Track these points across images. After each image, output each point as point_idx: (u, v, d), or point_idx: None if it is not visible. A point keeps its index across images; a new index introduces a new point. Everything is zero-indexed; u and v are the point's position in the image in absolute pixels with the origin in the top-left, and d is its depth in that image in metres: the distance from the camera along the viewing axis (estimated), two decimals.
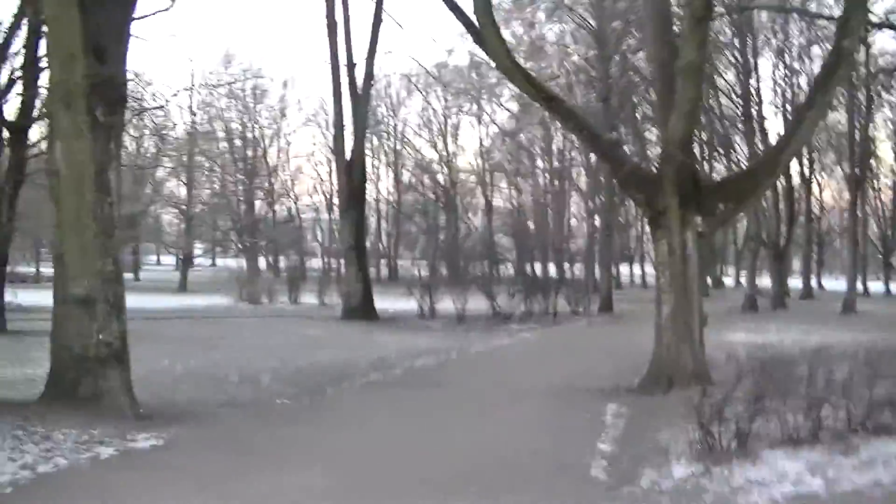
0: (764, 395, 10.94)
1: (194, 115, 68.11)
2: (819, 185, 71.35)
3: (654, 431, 12.50)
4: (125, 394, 12.93)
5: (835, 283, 73.19)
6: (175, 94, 50.73)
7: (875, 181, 70.06)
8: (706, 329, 17.80)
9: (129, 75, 17.69)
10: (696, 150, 34.15)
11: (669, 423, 12.66)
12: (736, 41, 47.56)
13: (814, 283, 70.41)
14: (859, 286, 58.35)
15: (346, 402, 15.79)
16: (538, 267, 45.63)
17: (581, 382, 18.35)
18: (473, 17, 18.18)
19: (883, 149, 68.86)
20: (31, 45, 25.96)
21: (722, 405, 10.80)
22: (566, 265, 50.15)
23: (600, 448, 11.80)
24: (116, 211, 13.43)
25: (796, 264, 76.19)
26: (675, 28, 19.22)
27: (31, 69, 26.38)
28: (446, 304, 36.87)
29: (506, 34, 20.57)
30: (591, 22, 46.32)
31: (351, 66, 37.50)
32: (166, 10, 29.19)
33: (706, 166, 53.74)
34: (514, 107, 68.81)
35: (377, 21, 37.32)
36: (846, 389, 11.49)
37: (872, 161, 61.20)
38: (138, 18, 27.31)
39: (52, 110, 13.61)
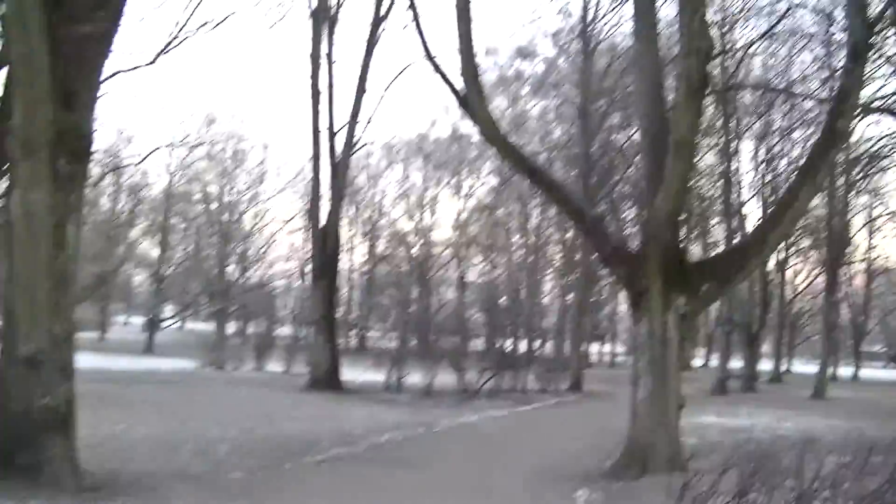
0: (749, 488, 10.32)
1: (172, 175, 67.92)
2: (793, 269, 71.39)
3: None
4: (68, 463, 12.07)
5: (804, 367, 73.13)
6: (153, 152, 50.59)
7: (849, 267, 70.27)
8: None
9: (112, 133, 17.12)
10: None
11: None
12: (718, 123, 47.55)
13: (783, 365, 70.22)
14: (829, 371, 58.18)
15: (305, 479, 14.93)
16: (509, 343, 45.04)
17: (551, 465, 17.70)
18: (459, 83, 17.83)
19: (858, 235, 69.30)
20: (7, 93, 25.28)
21: (706, 499, 10.18)
22: (537, 342, 49.59)
23: None
24: (75, 267, 12.77)
25: (766, 347, 75.97)
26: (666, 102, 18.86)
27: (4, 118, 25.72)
28: (415, 378, 36.21)
29: (490, 108, 20.12)
30: (575, 99, 46.29)
31: (332, 133, 37.28)
32: (148, 64, 29.14)
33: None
34: (494, 181, 68.82)
35: (360, 91, 37.26)
36: (835, 483, 10.93)
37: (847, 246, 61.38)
38: (120, 73, 27.10)
39: (13, 157, 12.87)
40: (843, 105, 17.35)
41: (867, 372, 79.73)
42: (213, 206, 74.96)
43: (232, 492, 13.19)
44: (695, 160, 25.51)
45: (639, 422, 16.54)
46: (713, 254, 47.21)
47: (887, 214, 64.22)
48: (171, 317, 75.50)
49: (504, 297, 62.77)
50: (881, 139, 44.53)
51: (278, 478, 14.77)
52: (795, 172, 21.81)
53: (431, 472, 16.58)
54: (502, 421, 28.35)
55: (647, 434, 16.34)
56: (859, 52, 17.61)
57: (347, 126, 37.35)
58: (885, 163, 49.12)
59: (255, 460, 16.05)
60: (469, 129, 26.69)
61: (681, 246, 18.02)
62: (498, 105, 54.31)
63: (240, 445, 17.84)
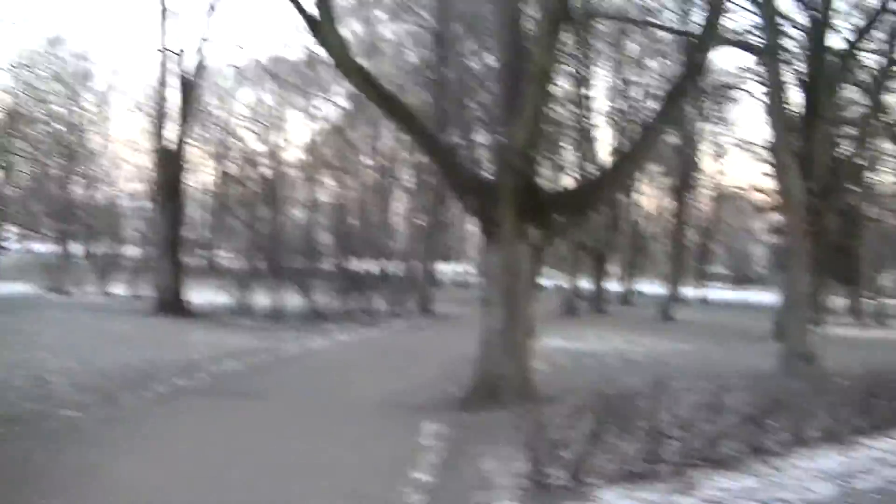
0: (602, 428, 10.12)
1: (14, 95, 65.54)
2: (642, 192, 72.35)
3: (478, 459, 11.54)
4: None
5: (652, 288, 74.50)
6: None
7: (695, 191, 71.61)
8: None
9: None
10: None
11: (494, 448, 11.74)
12: (574, 50, 47.49)
13: (631, 287, 71.35)
14: (676, 292, 59.51)
15: (146, 415, 14.29)
16: (359, 264, 44.46)
17: (399, 394, 17.37)
18: (312, 10, 17.07)
19: (705, 160, 70.67)
20: None
21: (556, 440, 9.93)
22: (387, 263, 49.15)
23: (417, 479, 10.76)
24: None
25: (614, 268, 77.15)
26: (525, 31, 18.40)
27: None
28: (263, 301, 35.52)
29: (344, 32, 19.30)
30: (430, 23, 45.55)
31: (179, 53, 36.29)
32: None
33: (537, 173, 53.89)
34: (346, 103, 67.94)
35: (210, 10, 36.47)
36: (687, 422, 10.85)
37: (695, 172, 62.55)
38: None
39: None
40: (705, 38, 17.19)
41: (713, 293, 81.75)
42: (59, 126, 72.67)
43: (66, 434, 12.45)
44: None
45: (489, 352, 16.29)
46: (566, 185, 47.39)
47: (734, 143, 65.39)
48: (14, 238, 73.11)
49: (355, 218, 62.32)
50: (732, 70, 45.26)
51: (114, 414, 14.10)
52: (653, 104, 21.66)
53: (274, 404, 16.11)
54: (351, 346, 27.90)
55: (497, 365, 16.11)
56: None
57: (197, 47, 36.52)
58: (734, 94, 49.95)
59: (90, 395, 15.36)
60: (322, 51, 25.94)
61: (535, 177, 17.68)
62: (353, 29, 53.33)
63: (77, 379, 17.04)
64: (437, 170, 30.07)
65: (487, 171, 22.99)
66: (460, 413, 15.30)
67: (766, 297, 59.19)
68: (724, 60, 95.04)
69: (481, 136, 45.07)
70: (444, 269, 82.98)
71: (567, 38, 43.88)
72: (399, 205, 75.48)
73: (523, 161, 16.19)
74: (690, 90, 18.44)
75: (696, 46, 17.54)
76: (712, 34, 17.33)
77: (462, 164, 19.46)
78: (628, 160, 18.13)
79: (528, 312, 16.44)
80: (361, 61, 21.38)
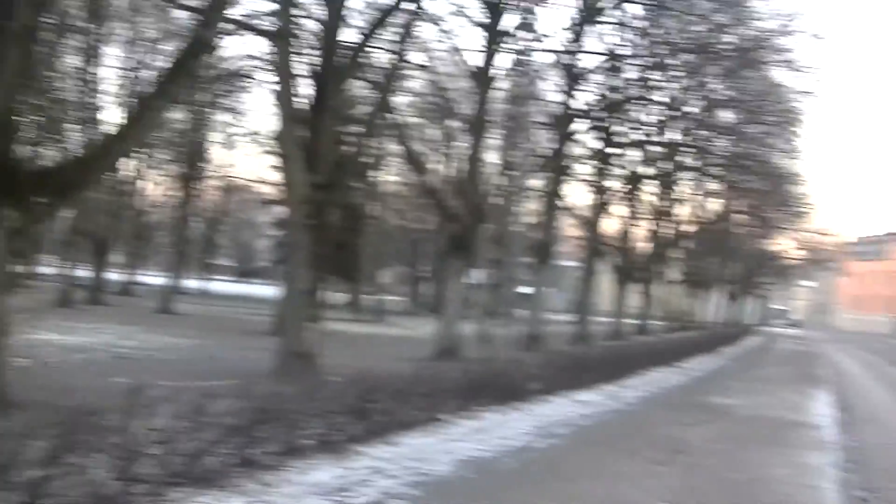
0: (64, 445, 8.70)
1: None
2: (149, 180, 70.65)
3: None
4: None
5: (155, 279, 73.15)
6: None
7: (203, 181, 70.88)
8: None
9: None
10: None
11: None
12: (84, 24, 45.25)
13: (134, 277, 69.57)
14: (179, 284, 58.49)
15: None
16: None
17: None
18: None
19: (214, 151, 70.05)
20: None
21: (7, 461, 8.42)
22: None
23: None
24: None
25: (117, 257, 74.96)
26: None
27: None
28: None
29: None
30: None
31: None
32: None
33: (30, 151, 51.42)
34: None
35: None
36: (168, 434, 9.78)
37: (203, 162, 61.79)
38: None
39: None
40: (212, 13, 16.15)
41: (216, 286, 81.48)
42: None
43: None
44: (39, 63, 23.05)
45: None
46: (57, 164, 44.91)
47: (244, 134, 65.36)
48: None
49: None
50: (244, 58, 44.78)
51: None
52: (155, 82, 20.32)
53: None
54: None
55: None
56: None
57: None
58: (245, 82, 49.57)
59: None
60: None
61: (13, 151, 15.67)
62: None
63: None
64: None
65: None
66: None
67: (270, 290, 59.66)
68: (237, 47, 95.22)
69: None
70: None
71: (74, 8, 41.90)
72: None
73: None
74: (193, 69, 17.29)
75: (201, 22, 16.46)
76: (218, 8, 16.34)
77: None
78: (119, 139, 16.59)
79: (2, 305, 14.61)
80: None
